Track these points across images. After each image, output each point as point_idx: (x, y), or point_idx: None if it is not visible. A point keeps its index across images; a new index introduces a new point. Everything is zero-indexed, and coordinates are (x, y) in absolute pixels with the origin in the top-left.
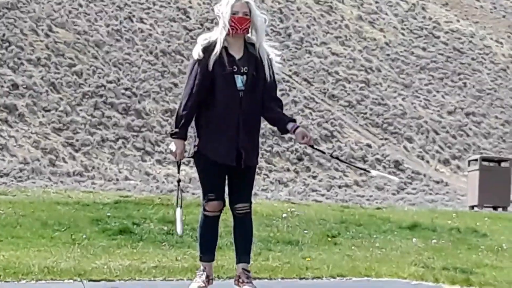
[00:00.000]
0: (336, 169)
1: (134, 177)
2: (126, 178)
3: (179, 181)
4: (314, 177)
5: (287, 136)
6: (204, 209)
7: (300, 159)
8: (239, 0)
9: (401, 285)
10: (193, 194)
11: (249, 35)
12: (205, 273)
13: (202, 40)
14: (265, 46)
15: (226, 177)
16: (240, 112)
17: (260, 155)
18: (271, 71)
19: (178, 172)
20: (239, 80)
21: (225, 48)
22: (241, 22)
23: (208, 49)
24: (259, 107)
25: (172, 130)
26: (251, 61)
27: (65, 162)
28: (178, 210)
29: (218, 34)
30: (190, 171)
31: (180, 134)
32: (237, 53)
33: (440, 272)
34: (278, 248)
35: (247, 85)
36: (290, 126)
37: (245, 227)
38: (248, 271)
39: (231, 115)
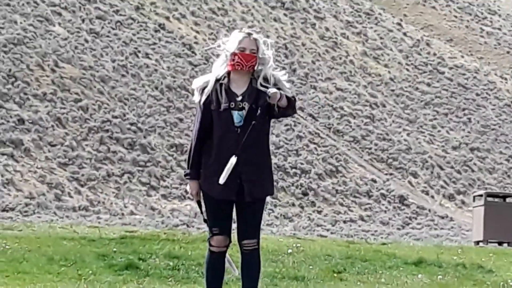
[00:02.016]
0: (341, 204)
1: (140, 212)
2: (132, 213)
3: (205, 221)
4: (319, 212)
5: (292, 170)
6: (210, 244)
7: (305, 194)
8: (247, 36)
9: None
10: (198, 229)
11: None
12: None
13: (199, 82)
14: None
15: (234, 212)
16: (242, 146)
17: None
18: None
19: (201, 213)
20: (237, 116)
21: (227, 84)
22: (247, 59)
23: (206, 90)
24: (263, 139)
25: (185, 172)
26: (252, 95)
27: (71, 196)
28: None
29: (218, 72)
30: (194, 206)
31: (192, 174)
32: (240, 89)
33: None
34: (284, 284)
35: (246, 120)
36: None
37: (252, 264)
38: None
39: (228, 151)
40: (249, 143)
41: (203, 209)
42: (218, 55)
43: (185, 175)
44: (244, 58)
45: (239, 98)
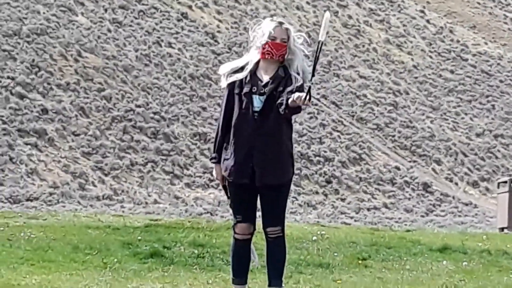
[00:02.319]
0: (365, 192)
1: (163, 201)
2: (155, 202)
3: (231, 206)
4: (343, 200)
5: (315, 158)
6: (234, 232)
7: (328, 181)
8: (279, 25)
9: None
10: (222, 217)
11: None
12: None
13: (226, 68)
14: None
15: (258, 200)
16: (256, 132)
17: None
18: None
19: (228, 198)
20: (258, 101)
21: (253, 70)
22: (277, 48)
23: (233, 75)
24: (283, 126)
25: (211, 156)
26: (276, 81)
27: (95, 186)
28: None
29: (247, 59)
30: (218, 194)
31: (217, 158)
32: (266, 75)
33: None
34: (309, 271)
35: (265, 105)
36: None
37: (277, 251)
38: None
39: (245, 135)
40: (265, 129)
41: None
42: (240, 45)
43: (210, 159)
44: (275, 47)
45: (263, 83)
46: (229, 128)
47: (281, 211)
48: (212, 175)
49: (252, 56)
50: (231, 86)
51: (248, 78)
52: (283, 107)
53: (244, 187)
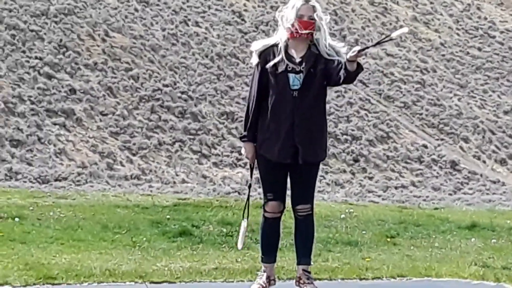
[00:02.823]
0: (393, 170)
1: (191, 180)
2: (183, 181)
3: (249, 186)
4: (370, 178)
5: (343, 137)
6: (264, 210)
7: (356, 160)
8: (305, 3)
9: (462, 285)
10: (250, 196)
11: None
12: (265, 273)
13: (258, 45)
14: (329, 44)
15: (288, 179)
16: (295, 111)
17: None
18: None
19: (251, 177)
20: (294, 79)
21: (285, 50)
22: (306, 26)
23: (264, 52)
24: (320, 104)
25: (241, 134)
26: (310, 60)
27: (123, 165)
28: (243, 223)
29: (277, 38)
30: (246, 174)
31: (248, 137)
32: (298, 54)
33: (501, 271)
34: (337, 249)
35: (303, 83)
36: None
37: (306, 229)
38: (309, 272)
39: (284, 114)
40: (305, 107)
41: (254, 175)
42: (267, 23)
43: (241, 138)
44: (302, 24)
45: (297, 61)
46: (261, 107)
47: (312, 189)
48: (241, 153)
49: (281, 36)
50: (263, 64)
51: (281, 56)
52: (342, 71)
53: (281, 166)
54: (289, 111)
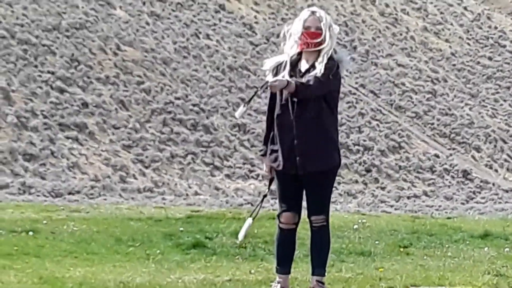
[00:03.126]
0: (405, 180)
1: (204, 192)
2: (196, 193)
3: (265, 195)
4: (383, 188)
5: (355, 147)
6: (279, 221)
7: (368, 170)
8: (312, 15)
9: None
10: (263, 207)
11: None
12: (279, 284)
13: (270, 63)
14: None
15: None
16: (296, 122)
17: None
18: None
19: (268, 189)
20: None
21: (295, 61)
22: (312, 37)
23: (277, 69)
24: (324, 114)
25: (260, 149)
26: (312, 71)
27: (135, 178)
28: (249, 220)
29: (288, 52)
30: (259, 185)
31: (264, 151)
32: (306, 66)
33: None
34: (350, 259)
35: None
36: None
37: (320, 240)
38: (323, 283)
39: (286, 125)
40: (305, 119)
41: (272, 186)
42: (278, 35)
43: (259, 153)
44: (309, 36)
45: (302, 73)
46: (273, 121)
47: (324, 200)
48: (253, 165)
49: (292, 50)
50: None
51: (287, 69)
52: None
53: (291, 177)
54: (290, 122)
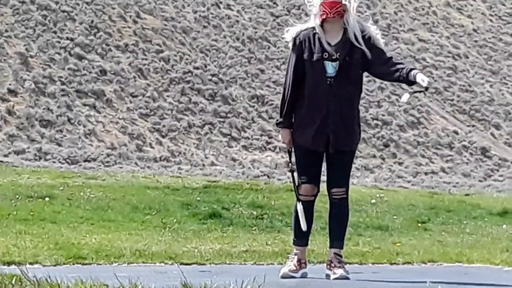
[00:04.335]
0: (423, 156)
1: (220, 163)
2: (212, 164)
3: (292, 171)
4: (400, 164)
5: (373, 122)
6: (298, 193)
7: (386, 145)
8: None
9: (493, 271)
10: (279, 180)
11: (345, 19)
12: (296, 256)
13: (292, 31)
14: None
15: (323, 163)
16: (330, 99)
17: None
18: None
19: (290, 162)
20: (330, 67)
21: (320, 34)
22: (331, 6)
23: (299, 38)
24: (355, 92)
25: (277, 120)
26: (346, 46)
27: (152, 147)
28: (299, 206)
29: (311, 23)
30: (276, 157)
31: (284, 123)
32: (333, 39)
33: None
34: (368, 234)
35: (339, 71)
36: (411, 76)
37: (340, 213)
38: (340, 256)
39: (320, 101)
40: (340, 96)
41: (293, 159)
42: (299, 6)
43: (277, 124)
44: (328, 6)
45: (333, 49)
46: (297, 93)
47: (347, 173)
48: (270, 137)
49: (314, 23)
50: (299, 51)
51: (316, 43)
52: (399, 73)
53: (315, 152)
54: (324, 99)
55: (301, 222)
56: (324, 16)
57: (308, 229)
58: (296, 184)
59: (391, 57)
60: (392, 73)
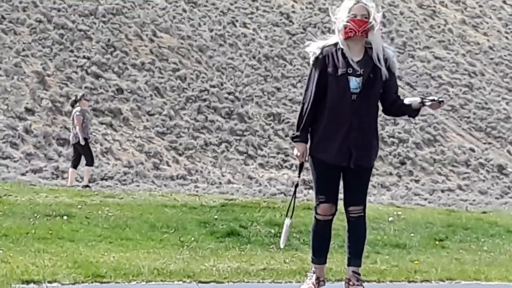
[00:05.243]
0: (439, 173)
1: (237, 181)
2: (229, 182)
3: (296, 185)
4: (417, 181)
5: (389, 139)
6: (316, 212)
7: (402, 163)
8: (357, 3)
9: None
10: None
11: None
12: (315, 274)
13: (315, 46)
14: (382, 47)
15: (341, 180)
16: (353, 114)
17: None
18: (390, 72)
19: (299, 175)
20: (354, 82)
21: (342, 51)
22: (359, 25)
23: (323, 54)
24: (375, 109)
25: (293, 134)
26: (369, 64)
27: (169, 165)
28: (287, 221)
29: (335, 39)
30: (292, 175)
31: (301, 137)
32: (356, 56)
33: None
34: (386, 251)
35: (363, 87)
36: (416, 104)
37: (358, 231)
38: (359, 274)
39: (342, 116)
40: (363, 111)
41: (301, 175)
42: (315, 25)
43: (293, 138)
44: (356, 23)
45: (357, 64)
46: (317, 108)
47: (364, 191)
48: (287, 155)
49: (338, 39)
50: (322, 66)
51: (340, 59)
52: (415, 112)
53: (335, 168)
54: (347, 114)
55: (282, 237)
56: (352, 34)
57: (326, 248)
58: (315, 203)
59: (399, 98)
60: (398, 107)
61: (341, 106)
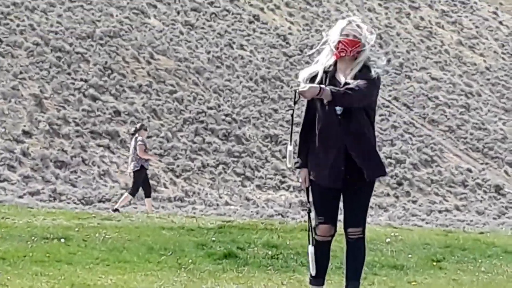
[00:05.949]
0: (436, 194)
1: (235, 202)
2: (227, 203)
3: (309, 211)
4: (414, 202)
5: (386, 160)
6: (315, 233)
7: (400, 183)
8: (349, 23)
9: None
10: (293, 219)
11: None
12: None
13: (305, 74)
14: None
15: (340, 202)
16: (344, 135)
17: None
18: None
19: (308, 201)
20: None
21: (332, 73)
22: (351, 45)
23: (313, 79)
24: (368, 126)
25: (295, 162)
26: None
27: (166, 187)
28: (311, 249)
29: (323, 62)
30: (290, 196)
31: (300, 163)
32: (343, 77)
33: None
34: (383, 273)
35: (345, 108)
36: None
37: (356, 252)
38: None
39: (332, 138)
40: (353, 130)
41: (310, 198)
42: (312, 47)
43: (295, 165)
44: (348, 43)
45: (341, 85)
46: (311, 132)
47: (363, 212)
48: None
49: (327, 60)
50: None
51: (327, 82)
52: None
53: (331, 190)
54: (336, 136)
55: (311, 266)
56: (343, 54)
57: (324, 269)
58: (313, 225)
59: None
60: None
61: (329, 129)
